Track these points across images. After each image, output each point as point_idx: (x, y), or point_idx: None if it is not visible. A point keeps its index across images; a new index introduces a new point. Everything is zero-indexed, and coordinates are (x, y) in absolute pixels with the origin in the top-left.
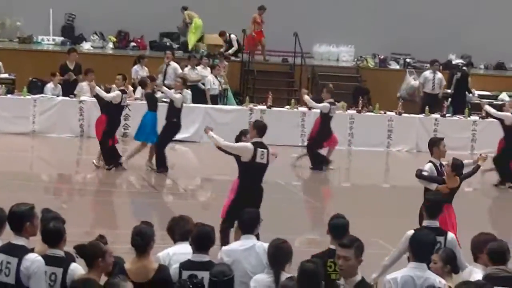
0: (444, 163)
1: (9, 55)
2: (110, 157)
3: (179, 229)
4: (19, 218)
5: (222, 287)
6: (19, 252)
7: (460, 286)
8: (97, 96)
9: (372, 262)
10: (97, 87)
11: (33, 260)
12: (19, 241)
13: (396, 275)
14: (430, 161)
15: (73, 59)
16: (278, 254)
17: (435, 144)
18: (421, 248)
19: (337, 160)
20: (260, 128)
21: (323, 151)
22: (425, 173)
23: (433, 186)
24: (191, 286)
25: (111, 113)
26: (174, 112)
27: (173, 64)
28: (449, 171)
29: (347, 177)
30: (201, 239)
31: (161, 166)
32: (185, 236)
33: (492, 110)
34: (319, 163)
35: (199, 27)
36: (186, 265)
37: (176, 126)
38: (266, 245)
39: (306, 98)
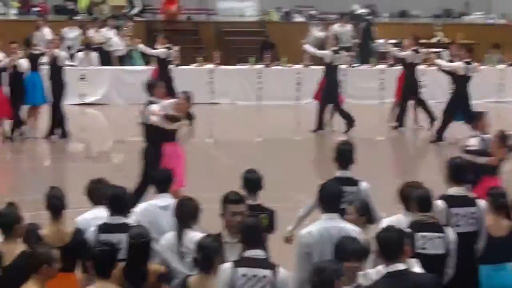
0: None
1: None
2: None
3: (99, 192)
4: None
5: (140, 249)
6: None
7: (382, 232)
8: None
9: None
10: None
11: None
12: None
13: (311, 228)
14: (475, 136)
15: None
16: (181, 211)
17: (478, 118)
18: (329, 198)
19: (246, 116)
20: None
21: None
22: (472, 148)
23: (483, 160)
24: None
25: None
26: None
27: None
28: (496, 143)
29: (259, 133)
30: (117, 200)
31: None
32: (105, 200)
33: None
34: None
35: None
36: (102, 228)
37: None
38: None
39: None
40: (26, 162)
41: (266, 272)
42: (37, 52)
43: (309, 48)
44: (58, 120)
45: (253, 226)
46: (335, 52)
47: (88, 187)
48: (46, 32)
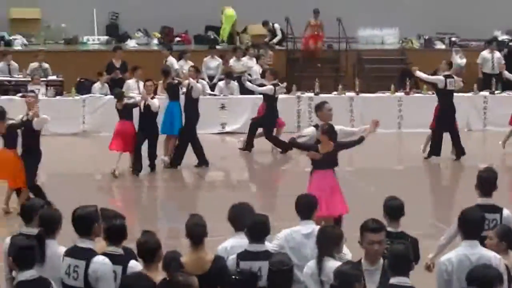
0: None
1: (56, 57)
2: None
3: (243, 218)
4: (87, 220)
5: (282, 276)
6: (87, 255)
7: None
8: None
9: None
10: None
11: (101, 262)
12: (86, 243)
13: (450, 255)
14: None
15: (119, 57)
16: (323, 239)
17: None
18: (470, 225)
19: (386, 144)
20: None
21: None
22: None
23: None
24: (236, 277)
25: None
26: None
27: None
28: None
29: (399, 160)
30: (257, 228)
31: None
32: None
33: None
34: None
35: (229, 17)
36: (242, 255)
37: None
38: None
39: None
40: (166, 190)
41: None
42: (175, 82)
43: (420, 74)
44: (198, 150)
45: (403, 254)
46: (447, 77)
47: (231, 213)
48: (173, 62)
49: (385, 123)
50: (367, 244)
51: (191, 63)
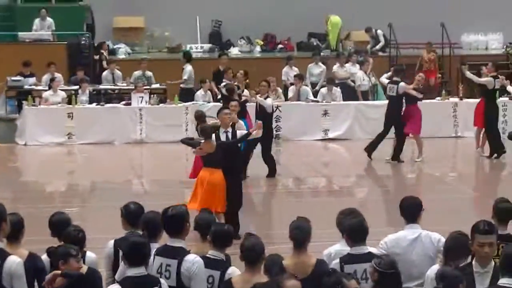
0: None
1: (159, 65)
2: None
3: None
4: (179, 220)
5: (390, 279)
6: (179, 253)
7: None
8: None
9: None
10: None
11: (193, 261)
12: (177, 243)
13: None
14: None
15: (224, 64)
16: (455, 247)
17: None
18: None
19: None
20: None
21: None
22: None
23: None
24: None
25: None
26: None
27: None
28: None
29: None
30: (358, 231)
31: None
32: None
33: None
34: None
35: (335, 24)
36: (345, 259)
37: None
38: (432, 234)
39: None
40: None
41: None
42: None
43: (469, 74)
44: (269, 162)
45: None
46: (495, 77)
47: (338, 218)
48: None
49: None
50: (477, 246)
51: (296, 70)
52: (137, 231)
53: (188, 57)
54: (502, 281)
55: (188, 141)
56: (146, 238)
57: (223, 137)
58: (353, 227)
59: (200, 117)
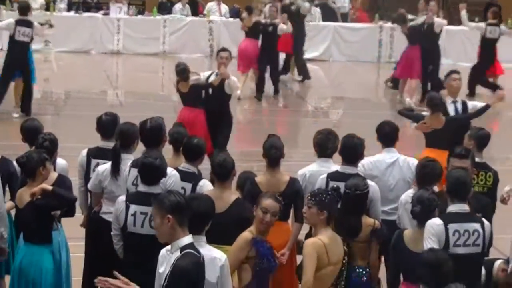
0: None
1: None
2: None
3: (332, 144)
4: (157, 131)
5: (354, 200)
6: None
7: None
8: None
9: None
10: None
11: (170, 174)
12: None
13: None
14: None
15: None
16: (424, 173)
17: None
18: None
19: None
20: None
21: None
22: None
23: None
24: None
25: None
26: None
27: None
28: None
29: None
30: (350, 151)
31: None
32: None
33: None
34: None
35: None
36: (333, 175)
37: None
38: (410, 159)
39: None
40: (246, 115)
41: (477, 226)
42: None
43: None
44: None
45: (463, 181)
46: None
47: (318, 138)
48: None
49: None
50: (451, 169)
51: None
52: (109, 142)
53: None
54: (453, 208)
55: (407, 113)
56: (119, 148)
57: (450, 108)
58: (347, 148)
59: (182, 71)
